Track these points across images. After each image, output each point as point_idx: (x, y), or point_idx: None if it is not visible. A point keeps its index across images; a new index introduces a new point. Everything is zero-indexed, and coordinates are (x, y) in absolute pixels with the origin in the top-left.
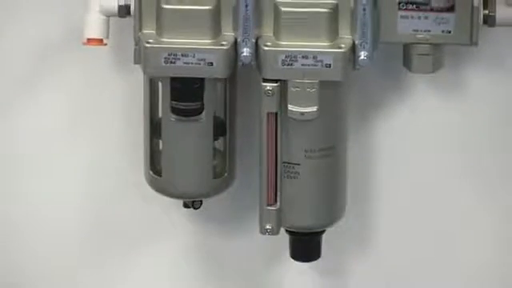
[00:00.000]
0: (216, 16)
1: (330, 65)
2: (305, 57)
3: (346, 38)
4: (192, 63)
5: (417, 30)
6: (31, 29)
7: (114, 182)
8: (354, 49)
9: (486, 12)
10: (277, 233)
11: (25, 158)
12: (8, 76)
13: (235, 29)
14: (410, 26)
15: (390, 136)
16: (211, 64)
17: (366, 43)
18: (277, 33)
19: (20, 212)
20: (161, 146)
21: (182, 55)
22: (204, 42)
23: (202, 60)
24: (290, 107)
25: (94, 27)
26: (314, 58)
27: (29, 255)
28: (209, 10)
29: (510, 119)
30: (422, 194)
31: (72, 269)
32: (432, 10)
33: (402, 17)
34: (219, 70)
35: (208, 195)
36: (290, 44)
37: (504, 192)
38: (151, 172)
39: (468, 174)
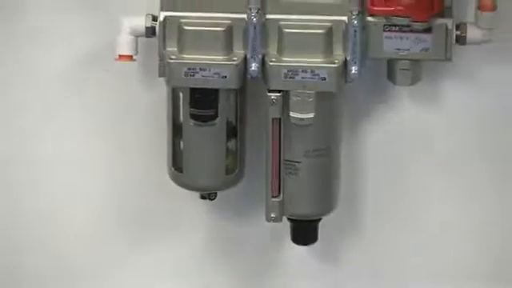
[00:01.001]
0: (228, 36)
1: (325, 78)
2: (304, 71)
3: (338, 55)
4: (208, 76)
5: (399, 49)
6: (76, 45)
7: (139, 180)
8: (345, 64)
9: (459, 33)
10: (280, 220)
11: (67, 156)
12: (55, 84)
13: (245, 47)
14: (393, 45)
15: (376, 138)
16: (225, 77)
17: (356, 60)
18: (280, 50)
19: (57, 204)
20: (182, 147)
21: (200, 69)
22: (218, 58)
23: (216, 73)
24: (292, 114)
25: (125, 45)
26: (311, 72)
27: (65, 240)
28: (222, 31)
29: (481, 125)
30: (404, 189)
31: (99, 255)
32: (412, 31)
33: (386, 37)
34: (231, 82)
35: (221, 188)
36: (292, 60)
37: (483, 192)
38: (173, 169)
39: (446, 175)
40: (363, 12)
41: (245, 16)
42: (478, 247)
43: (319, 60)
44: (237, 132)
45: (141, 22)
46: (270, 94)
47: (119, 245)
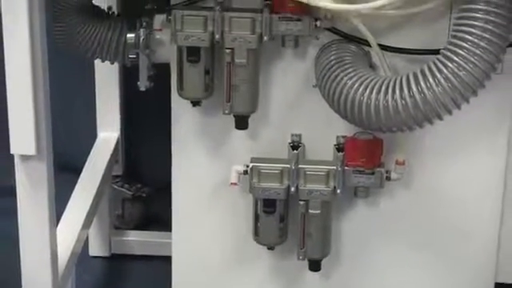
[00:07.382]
0: (281, 175)
1: (326, 194)
2: (316, 191)
3: (332, 184)
4: (270, 193)
5: (359, 182)
6: (213, 176)
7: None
8: (335, 188)
9: (387, 175)
10: (304, 260)
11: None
12: (195, 195)
13: (289, 180)
14: (357, 180)
15: (349, 217)
16: (279, 194)
17: (340, 186)
18: (305, 181)
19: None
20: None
21: (267, 190)
22: (276, 184)
23: (275, 192)
24: (310, 210)
25: (233, 178)
26: (320, 192)
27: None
28: (278, 172)
29: (404, 211)
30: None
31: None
32: (366, 173)
33: (354, 176)
34: (282, 196)
35: (278, 244)
36: (311, 186)
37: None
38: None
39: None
40: (343, 164)
41: (289, 165)
42: None
43: (323, 186)
44: (284, 219)
45: (241, 168)
46: (300, 201)
47: (243, 252)
